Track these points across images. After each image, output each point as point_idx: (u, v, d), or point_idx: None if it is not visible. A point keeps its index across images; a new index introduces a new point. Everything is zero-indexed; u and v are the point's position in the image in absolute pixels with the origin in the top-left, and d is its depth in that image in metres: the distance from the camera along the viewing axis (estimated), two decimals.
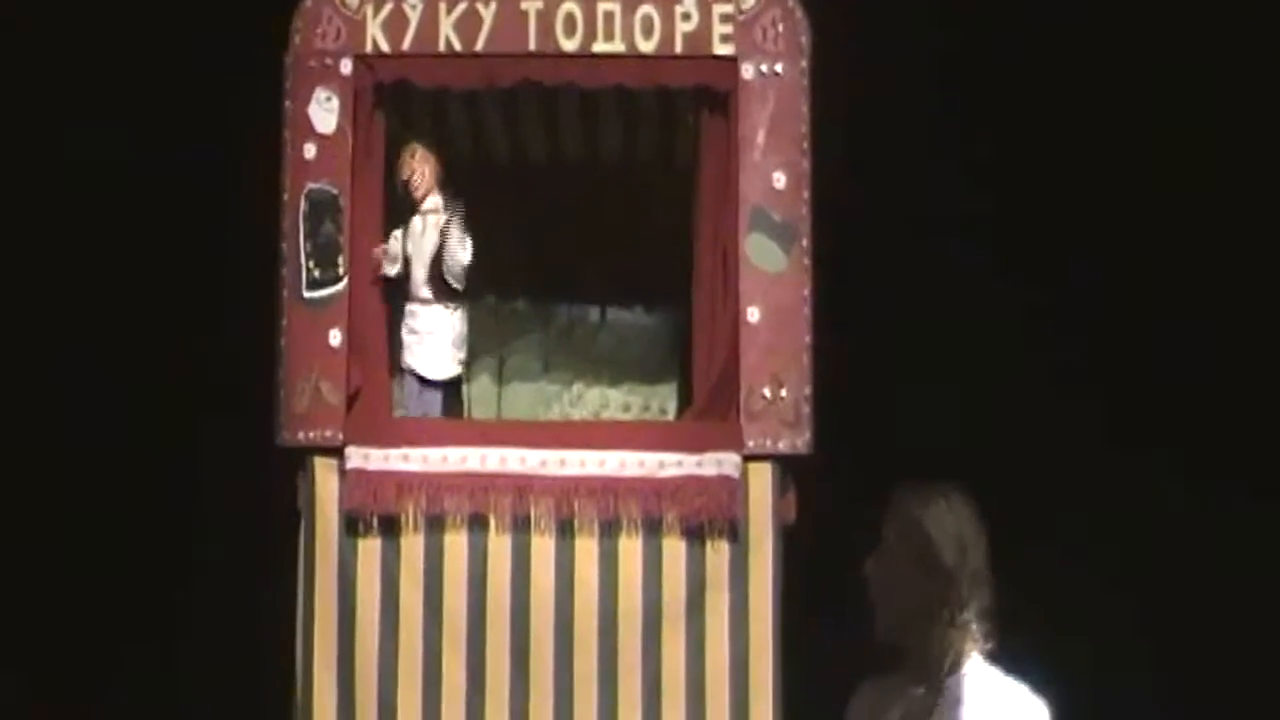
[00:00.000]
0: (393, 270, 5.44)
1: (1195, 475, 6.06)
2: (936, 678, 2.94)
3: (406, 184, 5.50)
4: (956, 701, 2.91)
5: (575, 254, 6.12)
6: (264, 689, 5.19)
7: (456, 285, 5.43)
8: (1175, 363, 6.21)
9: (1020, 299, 6.20)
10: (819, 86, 5.21)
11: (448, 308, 5.48)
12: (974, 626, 2.94)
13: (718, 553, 5.06)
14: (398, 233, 5.48)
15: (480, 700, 5.01)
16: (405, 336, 5.48)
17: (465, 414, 5.99)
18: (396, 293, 5.51)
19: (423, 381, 5.47)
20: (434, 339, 5.48)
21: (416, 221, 5.50)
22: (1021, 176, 6.21)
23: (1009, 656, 2.98)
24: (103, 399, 6.42)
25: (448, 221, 5.43)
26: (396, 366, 5.47)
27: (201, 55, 6.08)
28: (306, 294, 5.18)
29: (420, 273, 5.47)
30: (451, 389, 5.59)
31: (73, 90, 6.32)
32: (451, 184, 5.56)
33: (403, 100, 5.45)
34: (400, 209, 5.53)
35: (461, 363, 5.59)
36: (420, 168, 5.49)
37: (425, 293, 5.47)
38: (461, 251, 5.41)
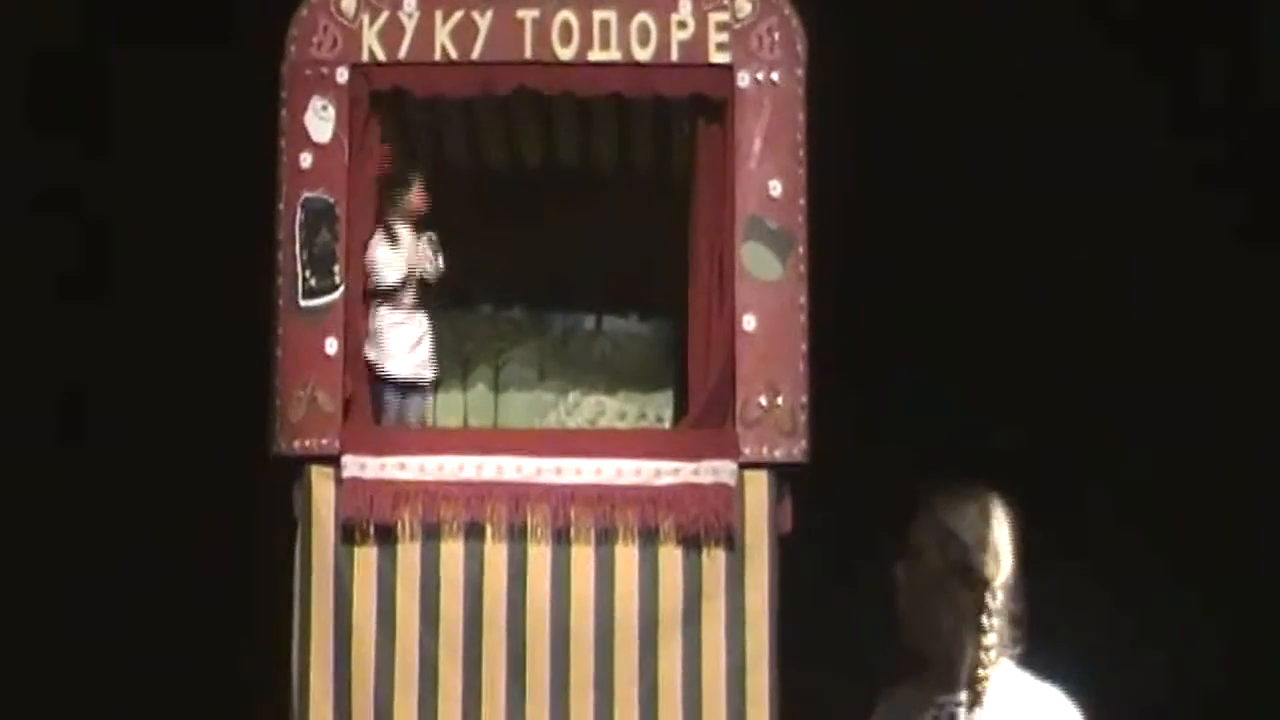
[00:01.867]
0: (395, 278, 5.38)
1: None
2: (972, 685, 2.94)
3: (414, 214, 5.44)
4: (994, 708, 2.91)
5: (571, 262, 6.12)
6: (261, 698, 5.18)
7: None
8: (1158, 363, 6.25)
9: (1020, 303, 6.21)
10: (815, 94, 5.21)
11: (387, 306, 5.43)
12: (1005, 634, 2.95)
13: (714, 561, 5.05)
14: (387, 247, 5.40)
15: (476, 708, 5.01)
16: (395, 343, 5.41)
17: (462, 423, 6.00)
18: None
19: (409, 387, 5.45)
20: (425, 344, 5.49)
21: (406, 234, 5.44)
22: (1021, 182, 6.22)
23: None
24: (98, 408, 6.43)
25: (430, 239, 5.45)
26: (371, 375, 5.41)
27: (198, 64, 6.09)
28: (302, 303, 5.17)
29: (412, 282, 5.46)
30: (424, 393, 5.58)
31: (71, 98, 6.33)
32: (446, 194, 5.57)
33: (399, 109, 5.45)
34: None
35: (425, 365, 5.53)
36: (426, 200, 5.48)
37: (411, 300, 5.45)
38: (440, 265, 5.46)
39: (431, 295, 5.59)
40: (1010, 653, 2.97)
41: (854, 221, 5.67)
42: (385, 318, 5.41)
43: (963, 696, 2.95)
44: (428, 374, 5.54)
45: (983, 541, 2.94)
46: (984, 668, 2.92)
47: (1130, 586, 5.92)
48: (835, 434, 5.16)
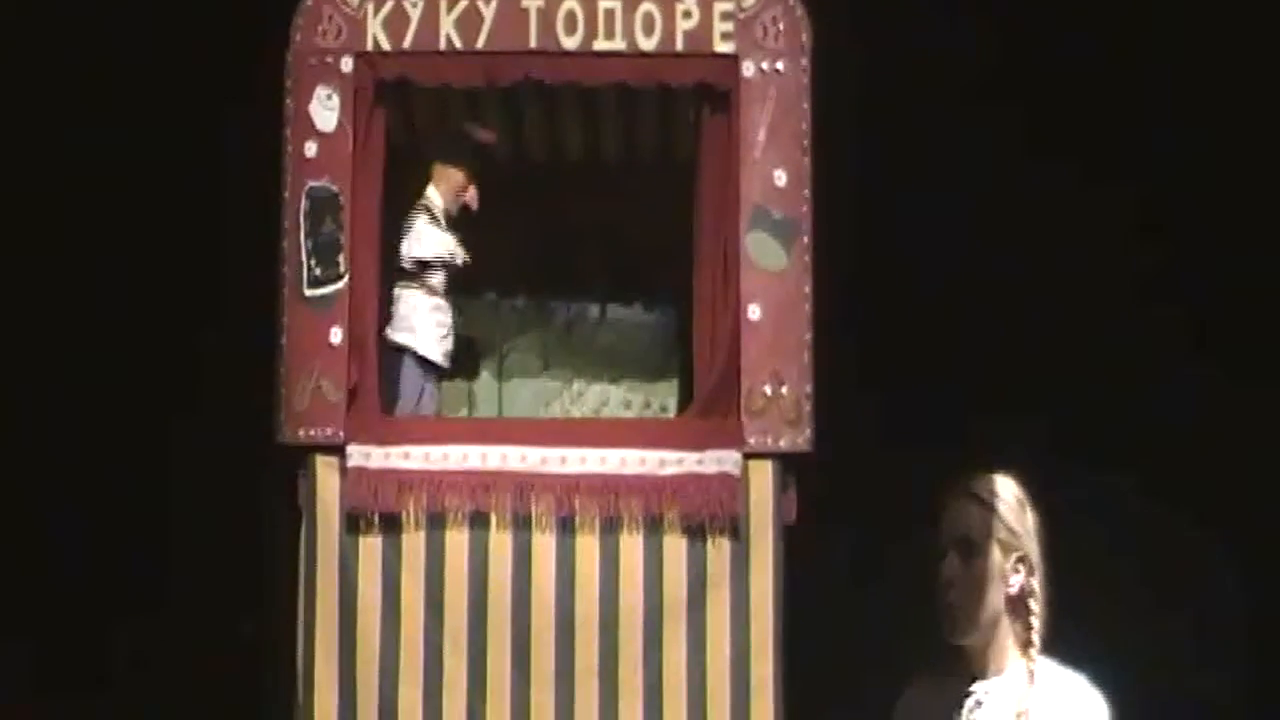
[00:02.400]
0: (432, 253, 5.50)
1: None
2: (1015, 672, 2.97)
3: (466, 207, 5.59)
4: (1035, 695, 2.94)
5: (576, 251, 6.13)
6: (265, 687, 5.19)
7: None
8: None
9: (1022, 290, 6.21)
10: (820, 84, 5.21)
11: (423, 290, 5.53)
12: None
13: (719, 550, 5.05)
14: (428, 221, 5.52)
15: (481, 698, 5.01)
16: (429, 326, 5.49)
17: (467, 412, 6.01)
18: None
19: (433, 372, 5.52)
20: (451, 337, 5.57)
21: (442, 220, 5.56)
22: (1022, 172, 6.22)
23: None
24: (102, 397, 6.43)
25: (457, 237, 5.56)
26: (393, 353, 5.46)
27: (203, 53, 6.09)
28: (307, 292, 5.17)
29: (442, 269, 5.54)
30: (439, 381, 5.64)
31: (74, 88, 6.33)
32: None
33: (403, 98, 5.46)
34: (400, 208, 5.51)
35: (448, 356, 5.60)
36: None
37: (443, 288, 5.55)
38: (416, 240, 5.50)
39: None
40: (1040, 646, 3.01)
41: (861, 211, 5.67)
42: (423, 302, 5.48)
43: (993, 683, 2.98)
44: (447, 365, 5.59)
45: (1029, 529, 3.01)
46: (1032, 648, 2.98)
47: (1132, 581, 5.93)
48: (841, 424, 5.17)
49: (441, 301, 5.55)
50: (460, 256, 5.56)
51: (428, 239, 5.49)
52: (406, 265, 5.49)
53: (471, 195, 5.61)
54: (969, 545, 3.03)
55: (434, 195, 5.58)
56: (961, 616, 3.03)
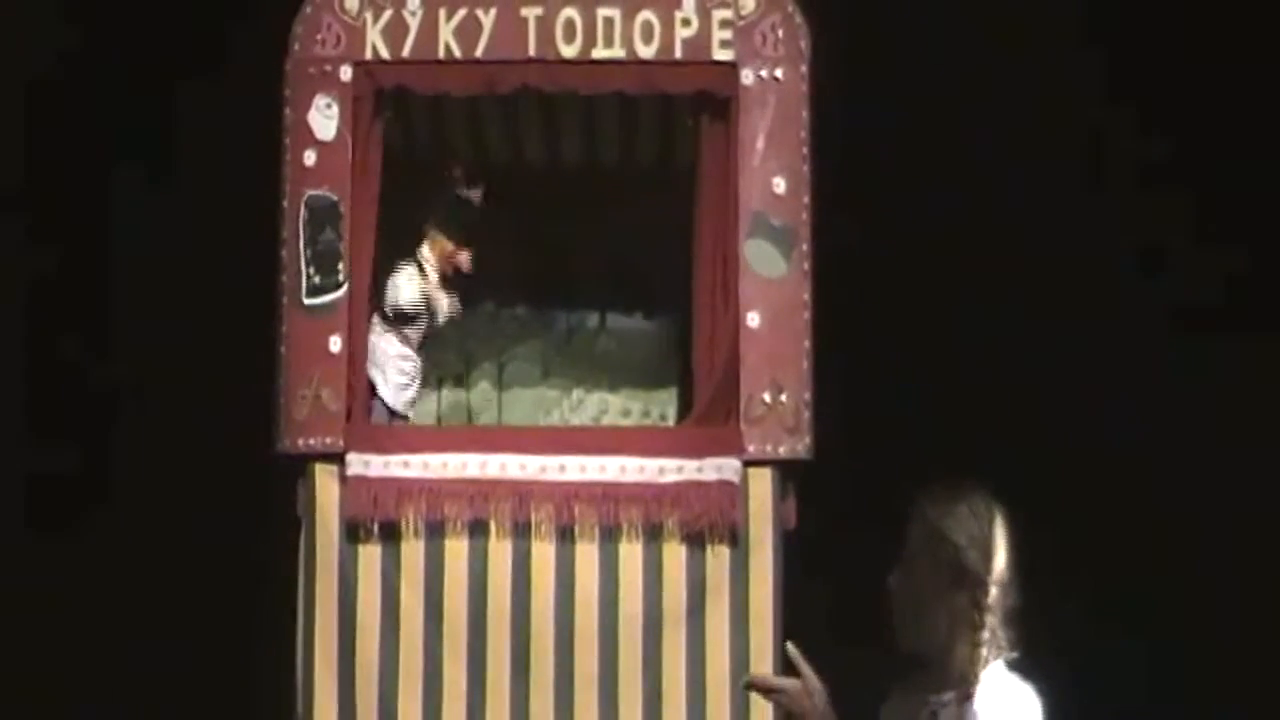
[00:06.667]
0: (408, 302, 5.58)
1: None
2: (961, 687, 2.93)
3: (449, 264, 5.64)
4: (981, 711, 2.91)
5: (575, 260, 6.14)
6: (265, 696, 5.19)
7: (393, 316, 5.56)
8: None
9: (1021, 301, 6.20)
10: (819, 91, 5.22)
11: (396, 337, 5.54)
12: (999, 633, 2.95)
13: (718, 558, 5.06)
14: (416, 275, 5.58)
15: (481, 706, 5.02)
16: (395, 374, 5.55)
17: (466, 420, 6.02)
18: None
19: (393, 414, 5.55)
20: (414, 387, 5.59)
21: (433, 275, 5.62)
22: (1020, 179, 6.21)
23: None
24: (102, 405, 6.43)
25: (455, 303, 5.67)
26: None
27: (201, 60, 6.09)
28: (307, 301, 5.18)
29: (422, 324, 5.63)
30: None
31: (73, 91, 6.33)
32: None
33: (402, 107, 5.46)
34: (397, 217, 5.51)
35: (409, 405, 5.60)
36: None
37: (417, 339, 5.61)
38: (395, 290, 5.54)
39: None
40: (1004, 654, 2.96)
41: (859, 218, 5.67)
42: (392, 349, 5.52)
43: (950, 696, 2.95)
44: (410, 413, 5.61)
45: (973, 540, 2.93)
46: (976, 664, 2.92)
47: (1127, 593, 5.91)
48: (839, 431, 5.17)
49: (410, 352, 5.56)
50: (443, 314, 5.62)
51: (406, 291, 5.53)
52: (386, 311, 5.52)
53: (463, 259, 5.64)
54: (907, 558, 3.00)
55: (426, 253, 5.62)
56: (902, 628, 3.00)
